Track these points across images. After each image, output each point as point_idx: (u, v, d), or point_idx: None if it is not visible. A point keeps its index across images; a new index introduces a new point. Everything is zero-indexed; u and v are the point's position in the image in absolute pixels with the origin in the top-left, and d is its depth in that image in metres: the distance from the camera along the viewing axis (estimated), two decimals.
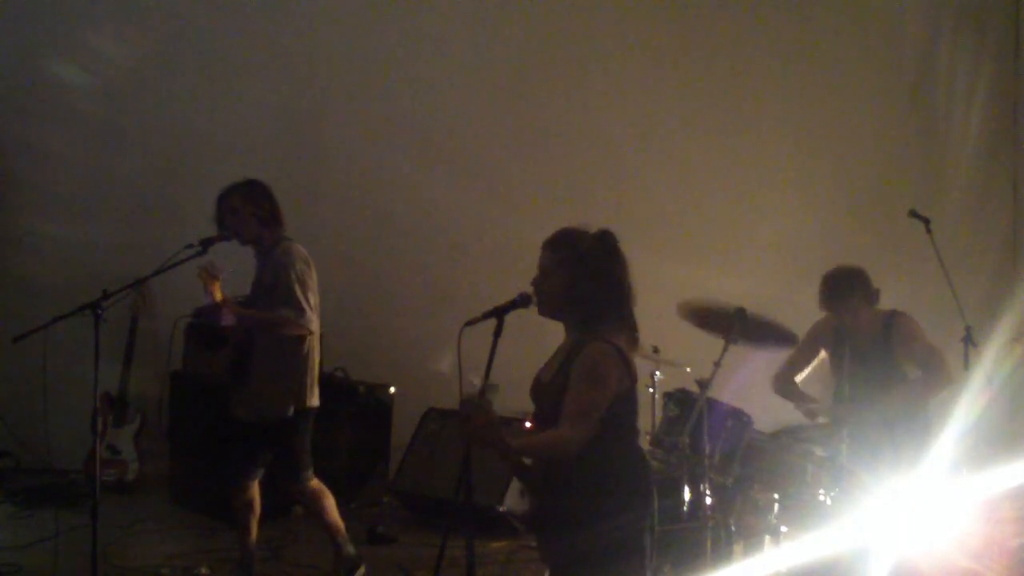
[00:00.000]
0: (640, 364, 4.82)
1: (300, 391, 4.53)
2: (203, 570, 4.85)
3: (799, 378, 5.15)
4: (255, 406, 4.53)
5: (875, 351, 4.80)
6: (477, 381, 3.00)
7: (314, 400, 4.61)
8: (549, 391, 3.01)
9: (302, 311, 4.42)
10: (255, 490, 4.62)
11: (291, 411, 4.50)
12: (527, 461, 3.09)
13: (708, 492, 4.55)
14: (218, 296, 4.37)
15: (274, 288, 4.46)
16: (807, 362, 5.13)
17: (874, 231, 6.03)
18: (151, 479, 6.17)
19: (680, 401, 4.91)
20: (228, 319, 4.45)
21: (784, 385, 5.10)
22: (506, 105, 6.89)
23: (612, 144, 6.92)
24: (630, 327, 3.07)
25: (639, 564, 2.98)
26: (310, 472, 4.62)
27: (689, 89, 6.98)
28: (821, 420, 4.84)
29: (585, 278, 3.00)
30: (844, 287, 4.77)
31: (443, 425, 5.98)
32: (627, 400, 2.99)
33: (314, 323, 4.51)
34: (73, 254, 6.46)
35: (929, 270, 5.03)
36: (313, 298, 4.50)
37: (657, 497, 3.10)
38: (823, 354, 5.08)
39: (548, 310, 3.07)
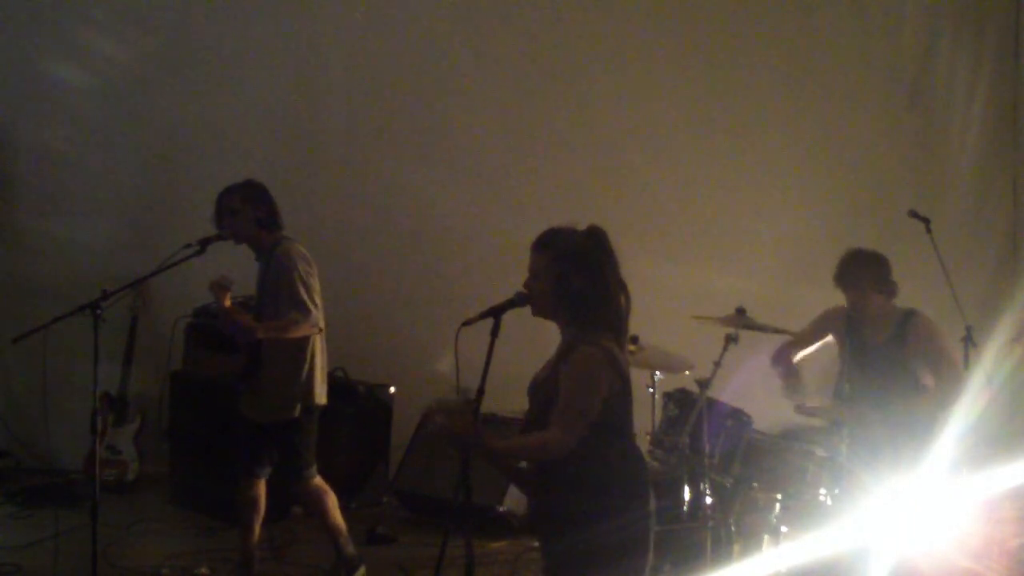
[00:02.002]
0: (639, 365, 4.87)
1: (307, 390, 4.53)
2: (203, 570, 4.85)
3: (799, 356, 5.06)
4: (265, 407, 4.53)
5: (884, 349, 4.75)
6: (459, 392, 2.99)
7: (321, 398, 4.62)
8: (540, 392, 3.00)
9: (308, 312, 4.43)
10: (261, 488, 4.62)
11: (298, 411, 4.51)
12: (523, 464, 3.08)
13: (708, 492, 4.56)
14: (227, 305, 4.38)
15: (278, 291, 4.46)
16: (811, 342, 5.04)
17: (874, 231, 6.01)
18: (151, 479, 6.17)
19: (680, 401, 4.91)
20: (245, 335, 4.46)
21: (783, 357, 5.01)
22: (506, 104, 6.88)
23: (612, 144, 6.91)
24: (620, 325, 3.05)
25: (639, 565, 2.96)
26: (313, 470, 4.62)
27: (689, 89, 6.98)
28: (812, 406, 4.76)
29: (575, 276, 2.97)
30: (857, 266, 4.72)
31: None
32: (620, 401, 2.97)
33: (321, 321, 4.53)
34: (73, 254, 6.46)
35: (929, 270, 5.02)
36: (317, 296, 4.51)
37: (657, 497, 3.07)
38: (830, 338, 5.01)
39: (541, 311, 3.05)
